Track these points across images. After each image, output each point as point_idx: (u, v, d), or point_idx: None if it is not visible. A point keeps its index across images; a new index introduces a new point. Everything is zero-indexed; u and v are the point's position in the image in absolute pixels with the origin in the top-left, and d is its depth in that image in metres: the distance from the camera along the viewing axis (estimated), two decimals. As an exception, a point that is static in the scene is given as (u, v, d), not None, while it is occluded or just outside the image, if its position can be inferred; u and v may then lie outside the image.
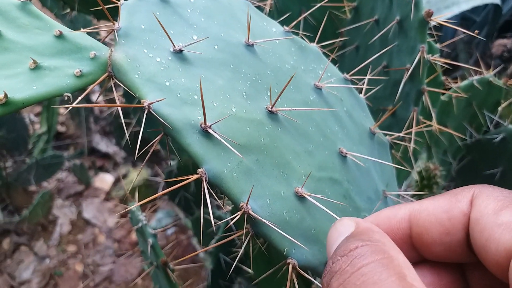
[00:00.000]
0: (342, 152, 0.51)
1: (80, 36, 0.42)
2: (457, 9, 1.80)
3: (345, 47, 0.82)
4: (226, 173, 0.40)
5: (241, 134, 0.43)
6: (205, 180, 0.39)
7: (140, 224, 0.70)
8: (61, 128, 2.70)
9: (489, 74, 0.97)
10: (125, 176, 2.49)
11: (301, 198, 0.45)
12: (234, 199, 0.40)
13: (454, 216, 0.34)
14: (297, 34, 0.58)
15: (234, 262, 0.50)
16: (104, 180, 2.48)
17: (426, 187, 1.02)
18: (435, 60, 0.65)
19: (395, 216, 0.37)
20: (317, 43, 0.60)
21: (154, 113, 0.39)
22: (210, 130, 0.39)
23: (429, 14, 0.60)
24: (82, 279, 2.05)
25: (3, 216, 2.11)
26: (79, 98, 0.39)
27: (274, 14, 0.86)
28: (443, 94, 0.99)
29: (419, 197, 1.04)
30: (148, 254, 0.70)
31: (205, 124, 0.40)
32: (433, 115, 0.86)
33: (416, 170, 1.03)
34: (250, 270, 0.76)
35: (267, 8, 0.81)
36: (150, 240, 0.68)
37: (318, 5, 0.69)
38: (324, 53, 0.74)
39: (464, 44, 2.25)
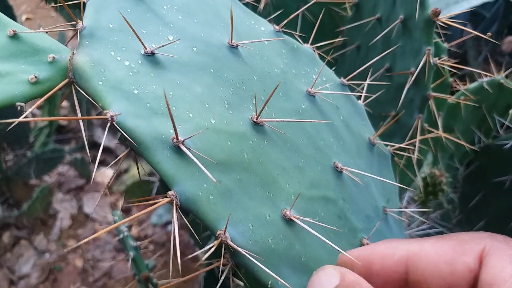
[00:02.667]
0: (337, 167, 0.46)
1: (38, 37, 0.37)
2: (467, 5, 1.73)
3: (346, 46, 0.77)
4: (201, 196, 0.35)
5: (221, 149, 0.38)
6: (176, 205, 0.34)
7: (121, 236, 0.65)
8: (62, 122, 2.67)
9: (500, 76, 0.91)
10: (126, 170, 2.45)
11: (289, 221, 0.40)
12: (211, 226, 0.35)
13: (458, 271, 0.30)
14: (291, 34, 0.52)
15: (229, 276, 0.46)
16: (105, 175, 2.45)
17: (431, 193, 0.97)
18: (442, 64, 0.59)
19: (391, 257, 0.32)
20: (316, 42, 0.55)
21: (118, 127, 0.34)
22: (182, 147, 0.34)
23: (436, 14, 0.54)
24: (81, 274, 2.03)
25: (3, 209, 2.08)
26: (30, 109, 0.34)
27: (270, 10, 0.81)
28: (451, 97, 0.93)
29: (422, 213, 0.99)
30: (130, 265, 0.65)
31: (177, 139, 0.35)
32: (439, 121, 0.81)
33: (420, 176, 0.98)
34: (241, 283, 0.72)
35: (262, 4, 0.75)
36: (132, 254, 0.64)
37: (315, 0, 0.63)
38: (322, 52, 0.68)
39: (473, 41, 2.17)
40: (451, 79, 0.88)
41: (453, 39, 0.96)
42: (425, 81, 0.59)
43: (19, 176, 2.07)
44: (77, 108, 0.36)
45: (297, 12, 0.56)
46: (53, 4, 0.84)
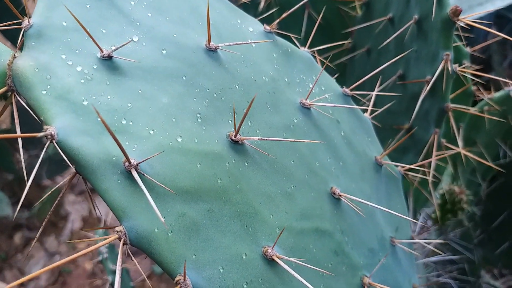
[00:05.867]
0: (334, 194, 0.39)
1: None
2: (491, 6, 1.63)
3: (355, 50, 0.69)
4: (158, 233, 0.28)
5: (187, 174, 0.31)
6: (124, 244, 0.27)
7: (100, 257, 0.59)
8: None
9: (530, 84, 0.82)
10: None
11: (271, 261, 0.33)
12: (168, 270, 0.29)
13: None
14: (289, 37, 0.46)
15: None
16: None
17: (450, 212, 0.88)
18: (463, 71, 0.51)
19: None
20: (324, 45, 0.49)
21: (59, 146, 0.28)
22: (133, 172, 0.28)
23: (457, 13, 0.47)
24: (90, 277, 2.00)
25: (14, 210, 2.08)
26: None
27: (273, 9, 0.74)
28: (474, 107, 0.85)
29: (440, 234, 0.90)
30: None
31: (129, 162, 0.28)
32: (460, 134, 0.73)
33: (439, 192, 0.89)
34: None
35: (262, 3, 0.69)
36: (109, 278, 0.58)
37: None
38: (330, 57, 0.62)
39: (498, 45, 2.06)
40: (474, 88, 0.79)
41: (477, 43, 0.88)
42: (442, 91, 0.51)
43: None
44: (17, 123, 0.30)
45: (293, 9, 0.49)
46: None
